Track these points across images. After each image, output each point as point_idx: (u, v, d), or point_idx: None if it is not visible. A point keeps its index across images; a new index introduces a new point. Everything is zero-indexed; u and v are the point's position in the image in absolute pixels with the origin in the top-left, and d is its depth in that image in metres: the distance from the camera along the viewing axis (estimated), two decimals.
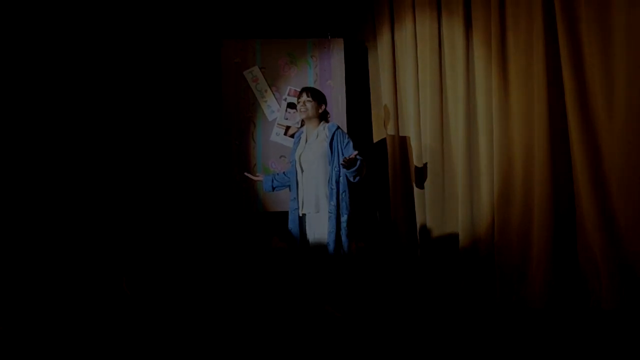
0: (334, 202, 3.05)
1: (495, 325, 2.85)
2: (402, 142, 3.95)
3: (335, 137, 3.12)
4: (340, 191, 3.07)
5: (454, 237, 3.54)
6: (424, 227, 3.73)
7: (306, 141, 3.23)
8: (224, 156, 3.98)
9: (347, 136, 3.17)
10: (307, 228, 3.19)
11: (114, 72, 3.90)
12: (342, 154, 3.06)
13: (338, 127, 3.18)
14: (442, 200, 3.64)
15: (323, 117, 3.25)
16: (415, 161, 3.80)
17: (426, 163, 3.70)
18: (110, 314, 3.01)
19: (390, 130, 3.99)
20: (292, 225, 3.22)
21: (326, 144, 3.12)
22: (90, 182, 3.73)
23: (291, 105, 4.00)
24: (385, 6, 4.01)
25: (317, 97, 3.20)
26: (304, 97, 3.18)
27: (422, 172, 3.74)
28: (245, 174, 3.50)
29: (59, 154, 3.63)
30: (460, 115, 3.46)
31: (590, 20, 2.64)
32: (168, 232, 3.91)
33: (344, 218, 3.06)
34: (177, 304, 3.18)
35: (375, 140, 4.18)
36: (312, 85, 3.97)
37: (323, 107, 3.23)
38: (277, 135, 4.03)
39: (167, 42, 4.07)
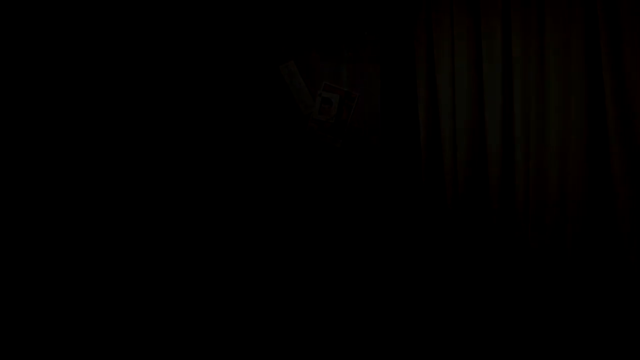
0: None
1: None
2: (436, 138, 3.94)
3: None
4: None
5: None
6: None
7: None
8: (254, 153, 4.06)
9: None
10: None
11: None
12: None
13: None
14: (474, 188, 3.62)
15: None
16: (449, 153, 3.79)
17: (459, 156, 3.69)
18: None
19: (424, 129, 3.98)
20: None
21: None
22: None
23: (326, 101, 4.05)
24: (422, 7, 4.03)
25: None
26: None
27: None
28: None
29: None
30: (497, 121, 3.44)
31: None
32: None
33: None
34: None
35: (408, 139, 4.18)
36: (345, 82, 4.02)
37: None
38: (311, 130, 4.08)
39: (200, 41, 4.18)
